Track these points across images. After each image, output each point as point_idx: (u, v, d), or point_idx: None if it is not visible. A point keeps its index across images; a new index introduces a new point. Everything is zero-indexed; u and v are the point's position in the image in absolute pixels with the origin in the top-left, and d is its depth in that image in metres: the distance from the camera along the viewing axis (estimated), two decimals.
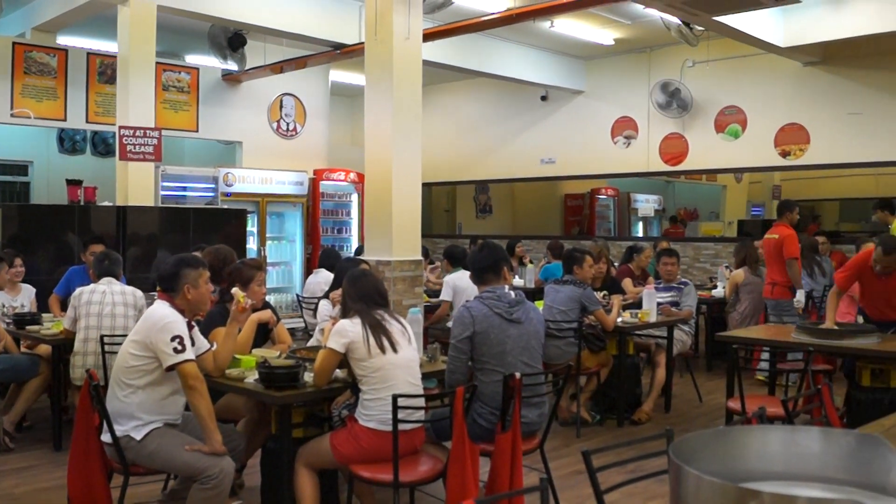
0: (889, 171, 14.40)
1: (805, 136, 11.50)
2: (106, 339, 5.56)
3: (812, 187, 18.46)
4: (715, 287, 9.96)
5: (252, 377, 4.29)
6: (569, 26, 11.35)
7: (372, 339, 4.05)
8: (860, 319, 6.84)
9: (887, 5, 9.41)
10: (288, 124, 13.02)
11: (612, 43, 12.34)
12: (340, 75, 14.01)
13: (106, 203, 9.28)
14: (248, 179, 11.55)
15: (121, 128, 8.85)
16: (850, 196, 18.62)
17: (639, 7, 9.76)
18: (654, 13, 9.86)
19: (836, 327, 6.00)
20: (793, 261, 8.21)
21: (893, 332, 6.10)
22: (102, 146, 12.47)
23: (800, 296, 8.17)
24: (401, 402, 3.86)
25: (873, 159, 11.19)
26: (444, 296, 7.92)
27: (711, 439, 1.93)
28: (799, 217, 8.87)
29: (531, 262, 11.36)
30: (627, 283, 8.76)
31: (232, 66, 11.54)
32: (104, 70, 10.96)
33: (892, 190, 15.47)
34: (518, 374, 4.22)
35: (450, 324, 6.07)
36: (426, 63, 8.05)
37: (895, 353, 5.47)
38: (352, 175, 12.78)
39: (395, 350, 4.08)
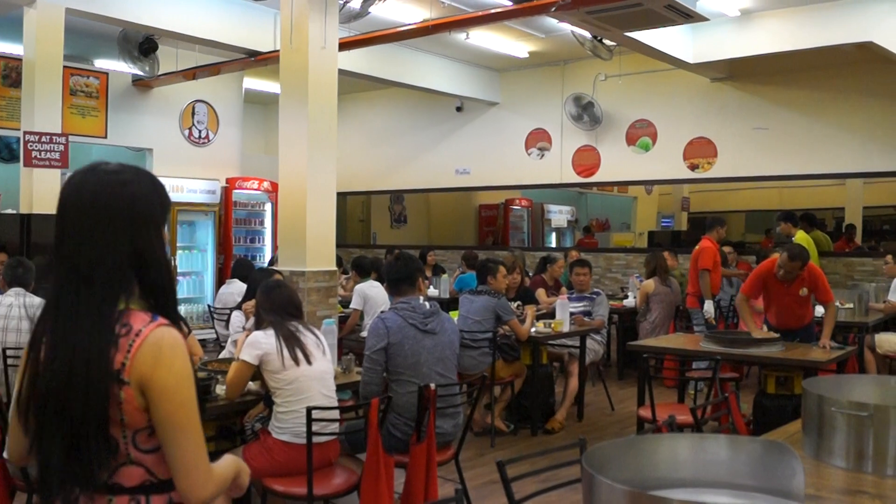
0: (792, 185, 14.90)
1: (713, 149, 11.81)
2: (9, 353, 5.38)
3: (719, 199, 18.99)
4: (626, 297, 10.12)
5: None
6: (484, 38, 11.43)
7: (286, 351, 4.00)
8: (765, 329, 7.05)
9: (791, 25, 9.75)
10: (200, 131, 12.80)
11: (527, 56, 12.48)
12: (254, 83, 13.83)
13: (9, 210, 8.98)
14: None
15: (26, 133, 8.59)
16: (755, 208, 19.22)
17: (553, 21, 9.89)
18: (567, 27, 10.01)
19: (761, 331, 6.18)
20: (704, 272, 8.45)
21: (797, 340, 6.30)
22: (6, 152, 12.04)
23: (707, 306, 8.43)
24: (315, 414, 3.82)
25: (777, 173, 11.58)
26: (355, 304, 7.86)
27: (623, 448, 1.96)
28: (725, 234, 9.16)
29: (445, 272, 11.40)
30: (541, 293, 8.85)
31: (143, 71, 11.29)
32: (9, 73, 10.61)
33: (796, 202, 16.05)
34: (433, 385, 4.23)
35: (364, 334, 6.05)
36: (342, 72, 8.01)
37: (798, 360, 5.67)
38: (265, 184, 12.64)
39: (309, 362, 4.04)
